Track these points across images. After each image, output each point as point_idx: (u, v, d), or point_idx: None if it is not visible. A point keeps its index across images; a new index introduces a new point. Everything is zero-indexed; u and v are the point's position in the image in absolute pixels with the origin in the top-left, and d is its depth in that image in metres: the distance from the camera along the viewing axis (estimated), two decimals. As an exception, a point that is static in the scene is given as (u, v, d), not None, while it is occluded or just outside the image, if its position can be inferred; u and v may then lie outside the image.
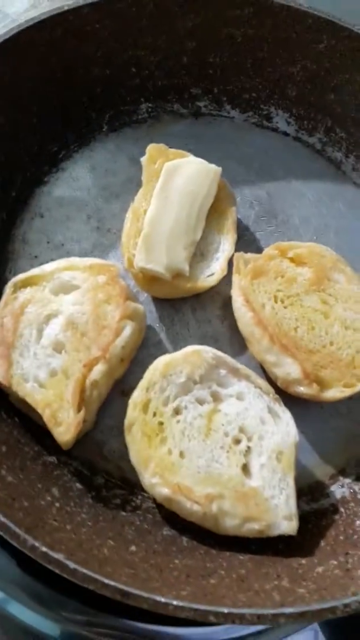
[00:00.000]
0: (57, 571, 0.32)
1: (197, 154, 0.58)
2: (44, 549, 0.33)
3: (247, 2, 0.58)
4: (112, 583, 0.33)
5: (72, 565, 0.32)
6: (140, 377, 0.45)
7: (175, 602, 0.32)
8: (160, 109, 0.63)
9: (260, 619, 0.31)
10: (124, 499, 0.44)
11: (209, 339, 0.52)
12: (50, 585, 0.44)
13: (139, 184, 0.55)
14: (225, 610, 0.32)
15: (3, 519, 0.34)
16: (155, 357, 0.47)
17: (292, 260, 0.51)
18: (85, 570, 0.32)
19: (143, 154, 0.56)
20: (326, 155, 0.64)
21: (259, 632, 0.44)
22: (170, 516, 0.43)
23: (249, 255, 0.51)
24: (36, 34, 0.53)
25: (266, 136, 0.64)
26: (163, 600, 0.32)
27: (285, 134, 0.65)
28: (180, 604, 0.33)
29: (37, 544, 0.33)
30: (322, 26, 0.58)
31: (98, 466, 0.46)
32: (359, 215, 0.61)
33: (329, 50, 0.59)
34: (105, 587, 0.33)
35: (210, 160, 0.57)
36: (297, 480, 0.46)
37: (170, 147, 0.58)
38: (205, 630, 0.43)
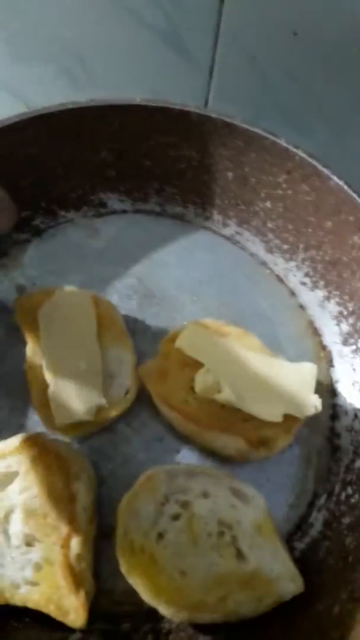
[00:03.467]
0: None
1: (58, 273, 0.60)
2: None
3: (24, 121, 0.58)
4: None
5: None
6: (110, 515, 0.48)
7: None
8: (2, 246, 0.63)
9: None
10: (154, 632, 0.47)
11: (153, 443, 0.55)
12: None
13: (19, 338, 0.55)
14: None
15: None
16: (114, 489, 0.49)
17: (186, 346, 0.54)
18: None
19: (8, 299, 0.57)
20: (168, 214, 0.67)
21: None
22: (198, 625, 0.47)
23: (149, 362, 0.54)
24: None
25: (109, 222, 0.66)
26: None
27: (124, 211, 0.67)
28: None
29: None
30: (107, 112, 0.60)
31: (118, 614, 0.49)
32: (223, 255, 0.65)
33: (123, 128, 0.61)
34: None
35: (71, 271, 0.59)
36: (282, 526, 0.51)
37: (29, 275, 0.59)
38: None
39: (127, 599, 0.49)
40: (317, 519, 0.52)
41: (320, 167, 0.56)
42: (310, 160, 0.57)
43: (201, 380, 0.51)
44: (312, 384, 0.51)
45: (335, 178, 0.56)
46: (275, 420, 0.50)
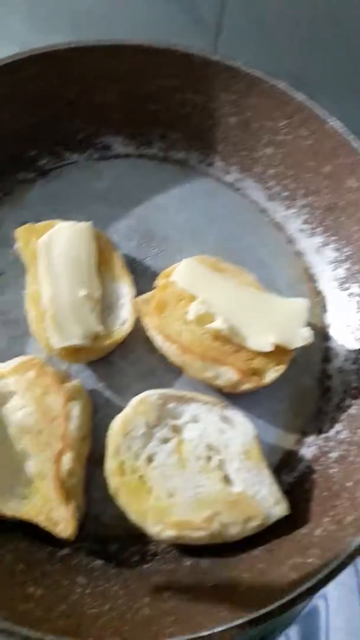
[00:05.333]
0: None
1: (60, 212, 0.60)
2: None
3: (39, 57, 0.59)
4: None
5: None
6: (104, 441, 0.49)
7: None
8: (9, 183, 0.64)
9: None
10: (141, 553, 0.49)
11: (147, 375, 0.56)
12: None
13: (23, 267, 0.57)
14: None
15: (49, 637, 0.37)
16: (110, 417, 0.50)
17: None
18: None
19: (13, 235, 0.57)
20: (171, 160, 0.68)
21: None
22: (183, 547, 0.48)
23: (146, 295, 0.55)
24: None
25: (112, 165, 0.67)
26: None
27: (128, 155, 0.68)
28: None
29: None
30: (114, 52, 0.61)
31: (106, 537, 0.50)
32: (223, 201, 0.66)
33: (130, 68, 0.62)
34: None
35: (74, 211, 0.60)
36: (271, 459, 0.52)
37: (32, 216, 0.60)
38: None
39: (115, 523, 0.50)
40: (306, 454, 0.54)
41: (317, 110, 0.57)
42: (307, 103, 0.57)
43: (195, 309, 0.52)
44: (304, 317, 0.52)
45: (331, 121, 0.56)
46: (265, 350, 0.50)
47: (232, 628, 0.37)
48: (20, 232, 0.57)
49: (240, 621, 0.37)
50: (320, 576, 0.39)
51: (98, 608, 0.42)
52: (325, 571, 0.39)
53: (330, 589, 0.57)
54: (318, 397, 0.56)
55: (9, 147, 0.63)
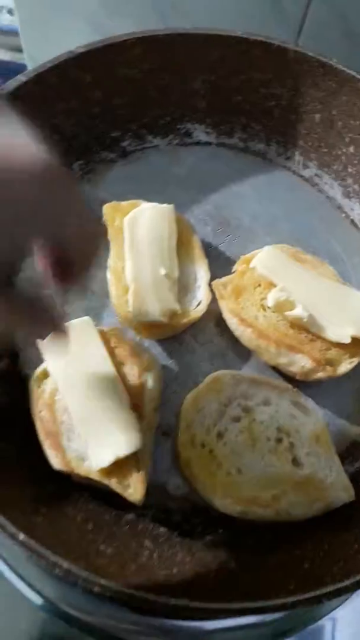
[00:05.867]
0: (195, 617, 0.38)
1: (138, 193, 0.62)
2: (172, 602, 0.38)
3: (134, 42, 0.61)
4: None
5: (203, 605, 0.38)
6: (173, 415, 0.51)
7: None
8: (91, 163, 0.66)
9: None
10: (204, 525, 0.50)
11: (217, 357, 0.57)
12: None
13: (106, 242, 0.58)
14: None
15: (127, 590, 0.39)
16: (179, 393, 0.52)
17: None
18: (215, 605, 0.38)
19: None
20: (251, 151, 0.69)
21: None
22: (247, 522, 0.49)
23: (224, 278, 0.56)
24: None
25: (192, 152, 0.68)
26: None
27: (209, 143, 0.69)
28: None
29: (162, 601, 0.39)
30: (209, 41, 0.62)
31: (170, 506, 0.51)
32: (300, 195, 0.67)
33: (221, 59, 0.63)
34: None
35: (152, 193, 0.61)
36: (337, 449, 0.53)
37: (111, 195, 0.62)
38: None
39: (179, 494, 0.51)
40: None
41: None
42: None
43: (275, 297, 0.53)
44: (383, 314, 0.53)
45: None
46: (343, 341, 0.51)
47: (307, 599, 0.38)
48: (106, 209, 0.59)
49: (313, 594, 0.38)
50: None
51: (167, 570, 0.43)
52: None
53: (340, 609, 0.57)
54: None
55: (96, 127, 0.65)
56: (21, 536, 0.40)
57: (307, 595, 0.39)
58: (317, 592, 0.39)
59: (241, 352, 0.57)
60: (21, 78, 0.57)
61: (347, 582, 0.39)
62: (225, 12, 0.76)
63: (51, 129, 0.62)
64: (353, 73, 0.60)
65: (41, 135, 0.31)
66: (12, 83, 0.56)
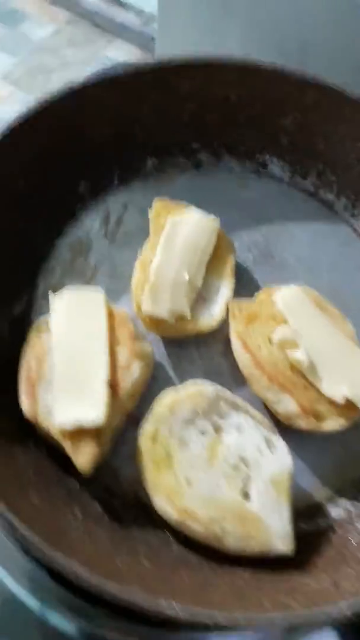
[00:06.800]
0: (73, 580, 0.38)
1: (199, 203, 0.63)
2: (61, 561, 0.38)
3: (236, 67, 0.64)
4: (127, 597, 0.39)
5: (85, 574, 0.38)
6: (145, 411, 0.51)
7: (178, 607, 0.38)
8: (164, 163, 0.70)
9: (251, 622, 0.37)
10: (138, 518, 0.49)
11: (212, 374, 0.57)
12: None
13: (147, 233, 0.61)
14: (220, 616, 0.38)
15: (28, 534, 0.39)
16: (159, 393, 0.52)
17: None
18: (97, 581, 0.38)
19: (150, 204, 0.62)
20: (319, 197, 0.69)
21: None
22: (179, 535, 0.48)
23: (243, 301, 0.56)
24: (50, 109, 0.60)
25: (262, 183, 0.70)
26: (165, 604, 0.37)
27: (281, 179, 0.70)
28: (185, 609, 0.38)
29: (54, 555, 0.39)
30: (307, 83, 0.64)
31: (115, 490, 0.51)
32: (353, 253, 0.66)
33: (316, 104, 0.65)
34: (118, 599, 0.39)
35: (210, 208, 0.63)
36: (296, 502, 0.50)
37: (174, 198, 0.64)
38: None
39: (128, 483, 0.52)
40: (332, 513, 0.52)
41: None
42: None
43: (282, 333, 0.52)
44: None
45: None
46: (335, 399, 0.50)
47: (182, 611, 0.37)
48: (156, 204, 0.61)
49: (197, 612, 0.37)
50: (295, 621, 0.38)
51: (80, 539, 0.44)
52: (304, 619, 0.37)
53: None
54: (366, 468, 0.54)
55: (181, 134, 0.69)
56: None
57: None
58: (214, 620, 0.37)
59: (237, 378, 0.56)
60: (127, 67, 0.62)
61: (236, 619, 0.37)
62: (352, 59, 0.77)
63: (136, 121, 0.66)
64: None
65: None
66: (110, 71, 0.61)
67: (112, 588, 0.39)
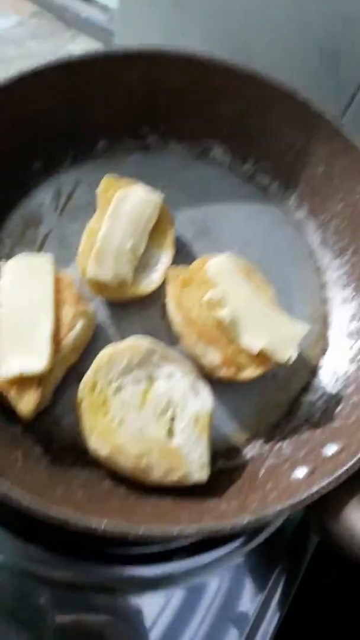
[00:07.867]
0: (14, 505, 0.44)
1: (145, 182, 0.69)
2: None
3: (181, 58, 0.70)
4: (61, 516, 0.45)
5: (27, 500, 0.44)
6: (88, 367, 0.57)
7: (105, 523, 0.44)
8: (115, 146, 0.75)
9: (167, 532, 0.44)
10: (75, 460, 0.55)
11: (150, 333, 0.62)
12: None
13: (95, 208, 0.66)
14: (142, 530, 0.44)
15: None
16: (101, 350, 0.58)
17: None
18: (37, 506, 0.44)
19: (100, 182, 0.67)
20: (255, 182, 0.76)
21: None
22: (110, 473, 0.54)
23: (179, 268, 0.63)
24: (2, 95, 0.65)
25: (204, 166, 0.76)
26: (95, 523, 0.44)
27: (221, 164, 0.77)
28: (111, 523, 0.44)
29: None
30: (246, 76, 0.70)
31: (56, 436, 0.57)
32: (282, 232, 0.73)
33: (252, 98, 0.72)
34: (52, 518, 0.44)
35: (155, 187, 0.69)
36: (216, 444, 0.57)
37: (123, 176, 0.70)
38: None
39: (68, 430, 0.58)
40: (247, 453, 0.59)
41: None
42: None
43: (210, 295, 0.59)
44: (298, 339, 0.58)
45: None
46: (251, 350, 0.57)
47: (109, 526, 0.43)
48: (104, 181, 0.67)
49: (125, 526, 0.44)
50: (205, 529, 0.44)
51: (22, 479, 0.49)
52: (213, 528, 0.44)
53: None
54: (281, 415, 0.61)
55: (132, 118, 0.75)
56: None
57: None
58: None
59: (171, 336, 0.63)
60: (77, 55, 0.67)
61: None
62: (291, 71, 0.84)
63: (88, 107, 0.71)
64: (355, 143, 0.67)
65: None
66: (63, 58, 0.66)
67: (47, 508, 0.45)
